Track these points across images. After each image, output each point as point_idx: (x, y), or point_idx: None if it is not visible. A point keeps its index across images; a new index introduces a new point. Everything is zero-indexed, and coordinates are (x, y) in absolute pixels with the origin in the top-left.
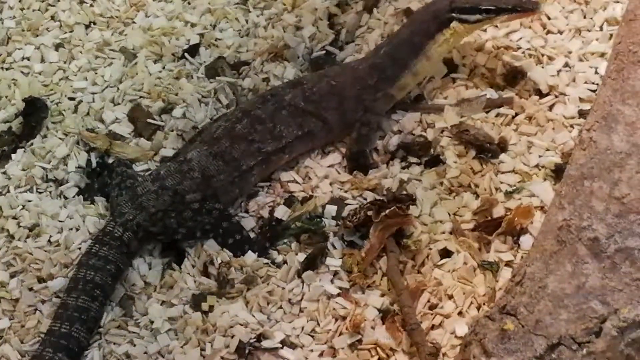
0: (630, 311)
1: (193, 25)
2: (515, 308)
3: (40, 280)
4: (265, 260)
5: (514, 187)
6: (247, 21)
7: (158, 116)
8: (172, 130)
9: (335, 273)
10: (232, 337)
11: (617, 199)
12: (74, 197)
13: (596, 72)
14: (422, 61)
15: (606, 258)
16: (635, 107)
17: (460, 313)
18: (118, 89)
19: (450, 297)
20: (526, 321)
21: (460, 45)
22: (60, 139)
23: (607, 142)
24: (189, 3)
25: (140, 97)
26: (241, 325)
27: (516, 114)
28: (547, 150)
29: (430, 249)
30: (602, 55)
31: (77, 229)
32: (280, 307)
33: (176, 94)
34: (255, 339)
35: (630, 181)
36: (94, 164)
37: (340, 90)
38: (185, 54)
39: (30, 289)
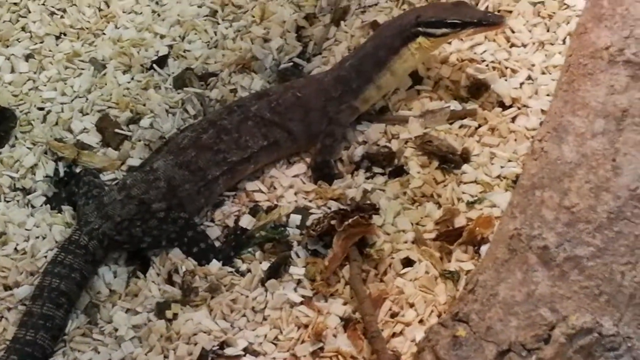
0: (579, 318)
1: (162, 36)
2: (467, 315)
3: (6, 287)
4: (230, 269)
5: (476, 198)
6: (215, 33)
7: (126, 126)
8: (140, 140)
9: (299, 281)
10: (195, 344)
11: (567, 209)
12: (41, 205)
13: None
14: (387, 75)
15: (555, 266)
16: (585, 118)
17: (421, 321)
18: (87, 99)
19: (412, 305)
20: (477, 328)
21: (425, 57)
22: (28, 148)
23: (557, 152)
24: (158, 15)
25: (109, 107)
26: (204, 332)
27: (479, 126)
28: (509, 161)
29: (393, 258)
30: None
31: (44, 238)
32: (244, 315)
33: (144, 105)
34: (218, 347)
35: (580, 191)
36: (61, 173)
37: (305, 102)
38: (154, 65)
39: None
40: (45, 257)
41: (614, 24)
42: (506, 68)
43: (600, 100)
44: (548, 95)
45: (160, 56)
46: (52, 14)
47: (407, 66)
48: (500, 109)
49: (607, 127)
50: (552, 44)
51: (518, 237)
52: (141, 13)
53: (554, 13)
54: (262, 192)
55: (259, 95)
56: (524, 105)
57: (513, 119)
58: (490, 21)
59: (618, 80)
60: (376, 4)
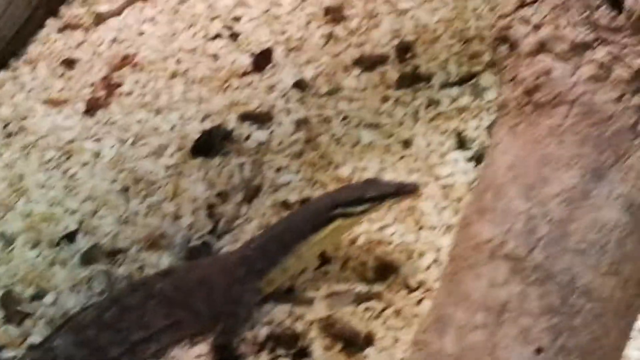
0: None
1: (73, 212)
2: None
3: None
4: None
5: None
6: (127, 209)
7: (29, 303)
8: (42, 318)
9: None
10: None
11: None
12: None
13: None
14: (293, 259)
15: None
16: (466, 311)
17: None
18: None
19: None
20: None
21: (336, 239)
22: None
23: (439, 344)
24: (70, 190)
25: (13, 283)
26: None
27: (384, 308)
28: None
29: None
30: None
31: None
32: None
33: (49, 281)
34: None
35: None
36: None
37: (210, 281)
38: (63, 240)
39: None
40: None
41: (495, 217)
42: (414, 250)
43: (481, 293)
44: None
45: (69, 231)
46: None
47: (316, 250)
48: (406, 292)
49: (487, 320)
50: None
51: None
52: (53, 187)
53: (462, 197)
54: None
55: (164, 274)
56: (430, 289)
57: (418, 302)
58: (406, 190)
59: (498, 274)
60: (289, 183)
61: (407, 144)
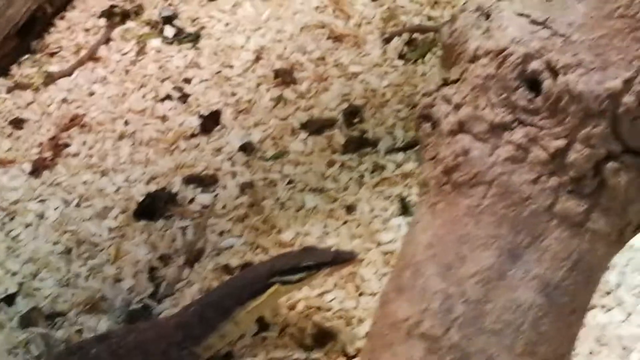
0: None
1: (14, 274)
2: None
3: None
4: None
5: None
6: (68, 271)
7: None
8: None
9: None
10: None
11: None
12: None
13: None
14: (231, 324)
15: None
16: None
17: None
18: None
19: None
20: None
21: (274, 306)
22: None
23: None
24: (13, 251)
25: None
26: None
27: None
28: None
29: None
30: None
31: None
32: None
33: None
34: None
35: None
36: None
37: (146, 346)
38: (2, 303)
39: None
40: None
41: (413, 296)
42: (353, 317)
43: None
44: None
45: (9, 294)
46: None
47: (254, 316)
48: (344, 359)
49: None
50: None
51: None
52: None
53: None
54: None
55: (101, 338)
56: None
57: None
58: (344, 258)
59: (414, 353)
60: (231, 247)
61: (351, 209)
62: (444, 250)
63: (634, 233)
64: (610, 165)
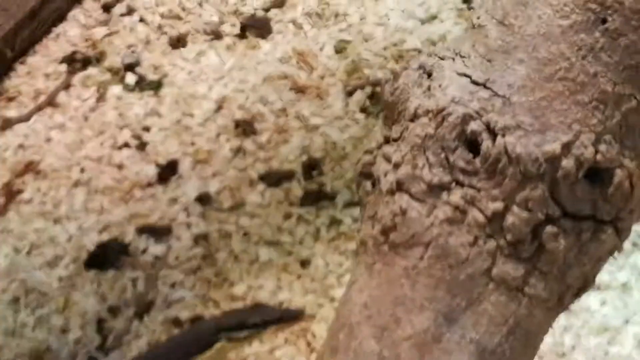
0: None
1: None
2: None
3: None
4: None
5: None
6: (15, 321)
7: None
8: None
9: None
10: None
11: None
12: None
13: None
14: None
15: None
16: None
17: None
18: None
19: None
20: None
21: None
22: None
23: None
24: None
25: None
26: None
27: None
28: None
29: None
30: None
31: None
32: None
33: None
34: None
35: None
36: None
37: None
38: None
39: None
40: None
41: (347, 357)
42: None
43: None
44: None
45: None
46: None
47: None
48: None
49: None
50: None
51: None
52: None
53: None
54: None
55: None
56: None
57: None
58: (290, 316)
59: None
60: (182, 300)
61: (305, 263)
62: (380, 312)
63: (574, 298)
64: (549, 229)
